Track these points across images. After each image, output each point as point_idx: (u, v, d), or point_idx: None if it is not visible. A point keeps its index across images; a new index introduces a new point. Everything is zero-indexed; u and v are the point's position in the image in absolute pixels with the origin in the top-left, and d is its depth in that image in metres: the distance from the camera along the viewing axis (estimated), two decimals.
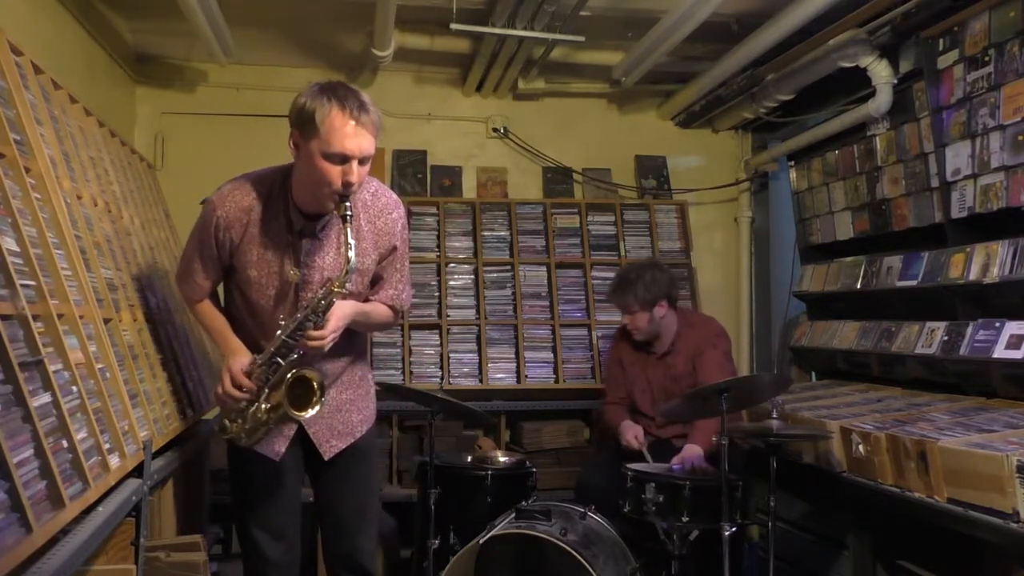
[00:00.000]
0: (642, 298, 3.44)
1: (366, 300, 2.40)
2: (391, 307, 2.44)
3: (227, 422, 2.31)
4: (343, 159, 2.08)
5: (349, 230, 2.11)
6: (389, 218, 2.34)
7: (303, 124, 2.10)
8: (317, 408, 2.22)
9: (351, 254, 2.11)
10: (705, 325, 3.61)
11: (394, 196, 2.40)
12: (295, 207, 2.24)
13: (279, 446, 2.37)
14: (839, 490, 2.98)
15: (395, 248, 2.38)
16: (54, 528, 1.52)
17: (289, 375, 2.21)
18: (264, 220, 2.25)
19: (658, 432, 3.53)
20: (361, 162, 2.11)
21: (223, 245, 2.27)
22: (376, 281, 2.41)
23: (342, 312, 2.22)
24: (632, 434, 3.40)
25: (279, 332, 2.20)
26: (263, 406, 2.26)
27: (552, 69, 4.53)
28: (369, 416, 2.53)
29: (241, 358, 2.27)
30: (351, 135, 2.07)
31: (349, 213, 2.11)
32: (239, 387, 2.23)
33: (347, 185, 2.09)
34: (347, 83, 2.15)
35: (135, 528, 2.13)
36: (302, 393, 2.22)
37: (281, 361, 2.21)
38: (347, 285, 2.16)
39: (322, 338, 2.18)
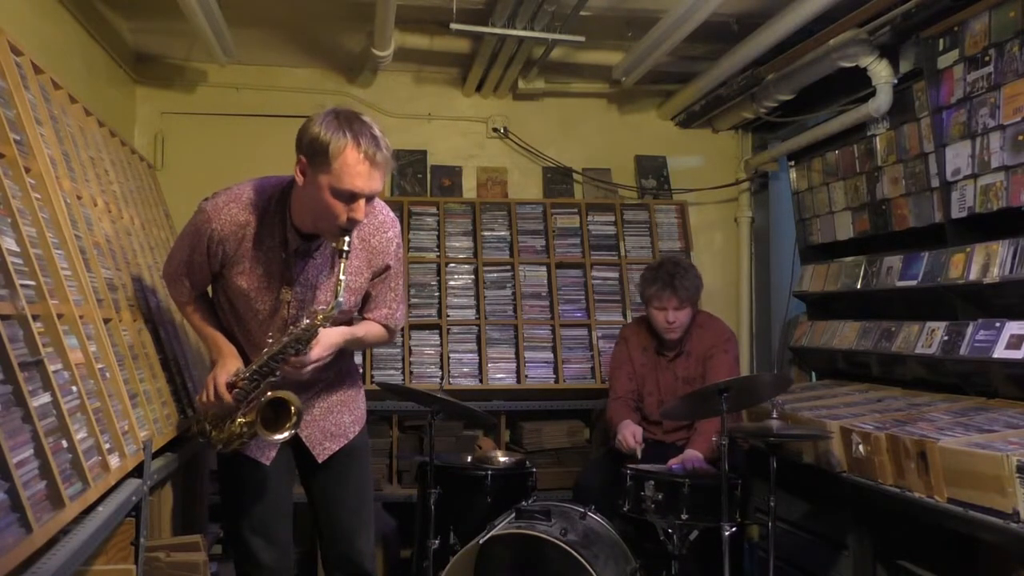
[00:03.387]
0: (693, 291, 3.39)
1: (360, 317, 2.38)
2: (385, 326, 2.42)
3: (207, 426, 2.31)
4: (352, 197, 2.04)
5: (343, 266, 2.08)
6: (384, 237, 2.31)
7: (314, 154, 2.04)
8: (287, 434, 2.19)
9: (340, 290, 2.07)
10: (714, 326, 3.56)
11: (391, 214, 2.36)
12: (292, 226, 2.20)
13: (270, 450, 2.37)
14: (839, 490, 2.98)
15: (388, 267, 2.35)
16: (54, 528, 1.52)
17: (268, 394, 2.19)
18: (259, 236, 2.21)
19: (664, 437, 3.50)
20: (367, 201, 2.09)
21: (215, 255, 2.24)
22: (367, 299, 2.39)
23: (328, 341, 2.19)
24: (629, 432, 3.31)
25: (264, 351, 2.18)
26: (239, 420, 2.25)
27: (552, 69, 4.53)
28: (360, 416, 2.53)
29: (229, 367, 2.24)
30: (364, 175, 2.03)
31: (347, 249, 2.08)
32: (220, 399, 2.21)
33: (352, 222, 2.07)
34: (360, 115, 2.09)
35: (135, 528, 2.12)
36: (278, 414, 2.20)
37: (260, 381, 2.20)
38: (331, 318, 2.13)
39: (302, 366, 2.16)
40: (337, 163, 2.01)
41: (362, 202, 2.06)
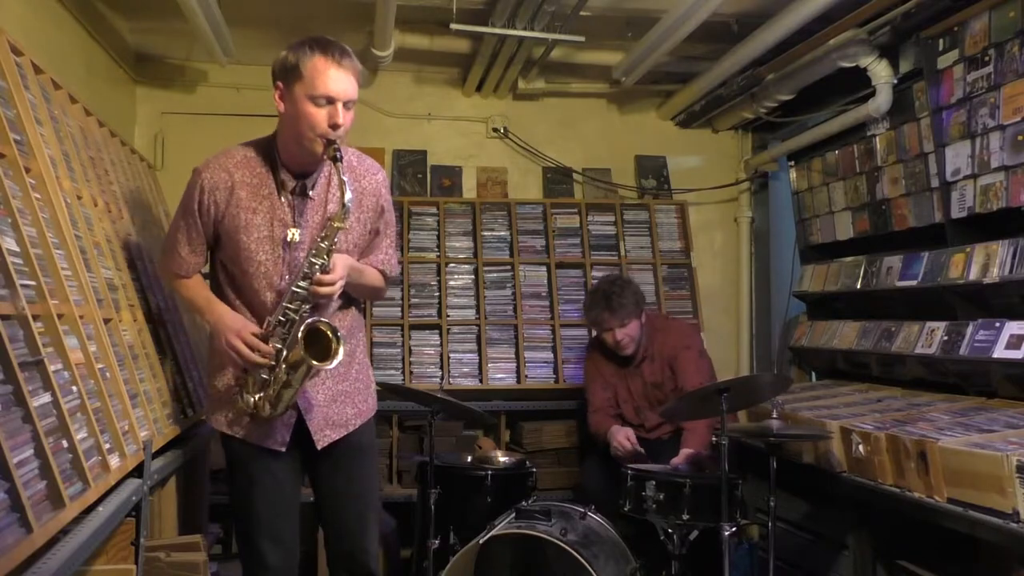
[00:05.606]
0: (631, 306, 3.47)
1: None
2: (381, 271, 2.46)
3: (251, 398, 2.27)
4: (329, 100, 2.13)
5: (341, 168, 2.13)
6: (375, 179, 2.38)
7: (286, 73, 2.15)
8: (339, 357, 2.17)
9: (347, 191, 2.12)
10: (674, 328, 3.69)
11: (375, 162, 2.45)
12: (283, 166, 2.26)
13: (282, 435, 2.35)
14: (839, 490, 2.98)
15: (383, 210, 2.40)
16: (54, 528, 1.52)
17: (303, 328, 2.17)
18: (252, 184, 2.26)
19: (647, 435, 3.57)
20: (346, 107, 2.15)
21: (207, 211, 2.28)
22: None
23: (344, 260, 2.24)
24: (623, 435, 3.40)
25: (286, 281, 2.22)
26: (283, 367, 2.21)
27: (552, 69, 4.53)
28: (365, 411, 2.50)
29: (244, 323, 2.25)
30: (335, 77, 2.13)
31: (339, 153, 2.13)
32: (258, 352, 2.21)
33: (334, 127, 2.13)
34: (326, 37, 2.19)
35: (135, 528, 2.12)
36: (319, 348, 2.17)
37: (295, 314, 2.19)
38: (345, 220, 2.16)
39: (331, 283, 2.19)
40: (308, 71, 2.12)
41: (340, 107, 2.13)
